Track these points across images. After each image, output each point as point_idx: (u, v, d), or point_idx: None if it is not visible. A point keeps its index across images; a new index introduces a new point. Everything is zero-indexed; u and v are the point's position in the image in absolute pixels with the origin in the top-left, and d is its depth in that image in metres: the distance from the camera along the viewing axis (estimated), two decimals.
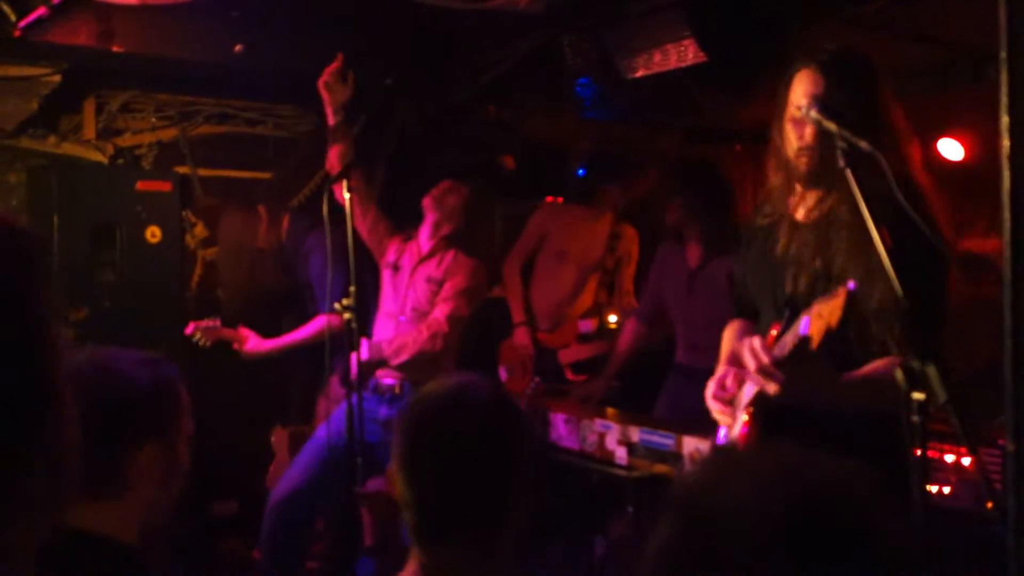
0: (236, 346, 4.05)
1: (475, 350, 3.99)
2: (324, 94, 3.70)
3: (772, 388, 1.78)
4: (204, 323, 4.00)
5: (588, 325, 4.56)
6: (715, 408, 2.02)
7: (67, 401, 0.73)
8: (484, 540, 1.44)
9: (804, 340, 1.77)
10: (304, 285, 4.30)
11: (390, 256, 3.83)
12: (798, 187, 2.03)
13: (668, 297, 3.96)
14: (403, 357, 3.53)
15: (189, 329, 3.97)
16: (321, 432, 3.56)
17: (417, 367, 3.57)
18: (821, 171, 1.91)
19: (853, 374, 1.88)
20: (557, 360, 4.51)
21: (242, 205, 4.36)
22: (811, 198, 2.01)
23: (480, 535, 1.43)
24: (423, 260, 3.74)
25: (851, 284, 1.73)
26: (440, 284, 3.69)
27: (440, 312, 3.59)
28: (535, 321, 4.63)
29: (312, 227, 4.07)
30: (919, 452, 1.47)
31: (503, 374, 4.65)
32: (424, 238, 3.79)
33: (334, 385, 4.34)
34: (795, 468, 0.82)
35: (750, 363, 1.82)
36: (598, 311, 4.62)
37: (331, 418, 3.41)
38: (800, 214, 2.04)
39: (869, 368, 1.88)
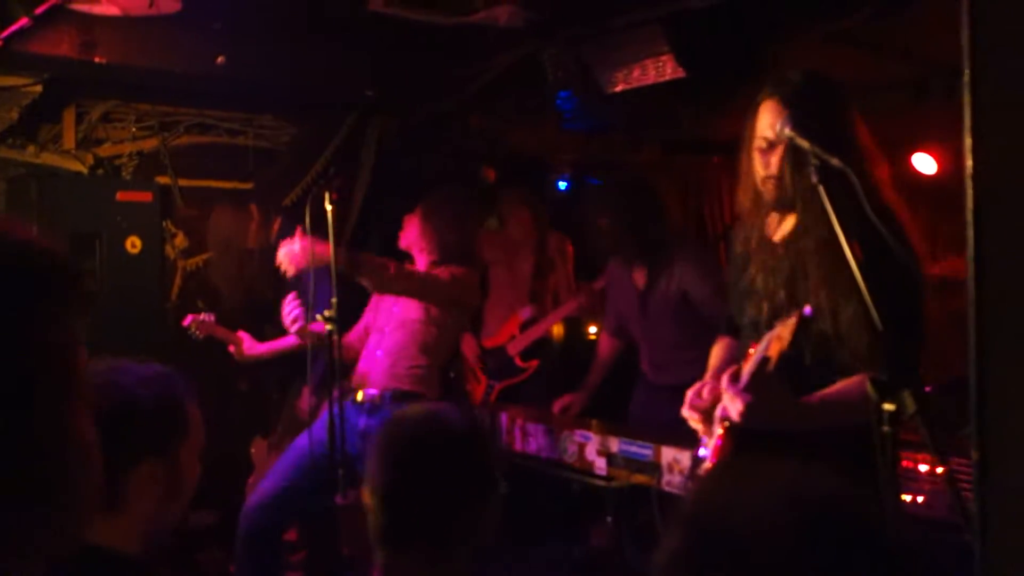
0: (232, 348, 4.03)
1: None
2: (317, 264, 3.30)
3: (735, 414, 1.86)
4: (201, 316, 3.98)
5: (527, 312, 4.68)
6: (690, 417, 2.07)
7: (86, 429, 0.73)
8: (444, 548, 1.53)
9: (763, 361, 1.86)
10: (290, 287, 4.29)
11: None
12: (769, 213, 2.08)
13: (624, 315, 3.95)
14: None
15: (186, 321, 3.94)
16: (302, 440, 3.54)
17: (401, 378, 3.57)
18: (788, 197, 1.97)
19: (814, 396, 1.93)
20: (506, 355, 4.60)
21: (234, 204, 4.35)
22: (779, 222, 2.07)
23: (440, 544, 1.53)
24: None
25: (807, 310, 1.79)
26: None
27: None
28: (482, 329, 4.78)
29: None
30: (891, 462, 1.50)
31: (467, 383, 4.74)
32: (418, 255, 3.75)
33: (305, 395, 4.34)
34: (801, 485, 0.85)
35: (723, 384, 1.89)
36: (536, 300, 4.73)
37: (313, 428, 3.40)
38: (773, 235, 2.09)
39: (833, 388, 1.93)
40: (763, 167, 2.02)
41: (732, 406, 1.87)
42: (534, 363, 4.58)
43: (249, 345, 4.05)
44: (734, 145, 5.75)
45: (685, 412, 2.06)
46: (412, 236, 3.71)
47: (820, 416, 1.92)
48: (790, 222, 2.04)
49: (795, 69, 2.06)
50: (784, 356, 1.81)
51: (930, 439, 1.50)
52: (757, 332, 1.99)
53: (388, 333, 3.65)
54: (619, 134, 5.55)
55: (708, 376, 2.18)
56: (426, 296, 3.52)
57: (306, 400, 4.35)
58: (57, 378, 0.70)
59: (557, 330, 4.84)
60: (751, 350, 1.97)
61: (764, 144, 1.99)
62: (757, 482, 0.86)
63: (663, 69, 3.43)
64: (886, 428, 1.51)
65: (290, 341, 4.09)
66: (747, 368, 1.91)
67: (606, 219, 3.76)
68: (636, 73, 3.52)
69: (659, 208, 3.77)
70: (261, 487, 3.63)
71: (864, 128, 2.02)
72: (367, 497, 1.57)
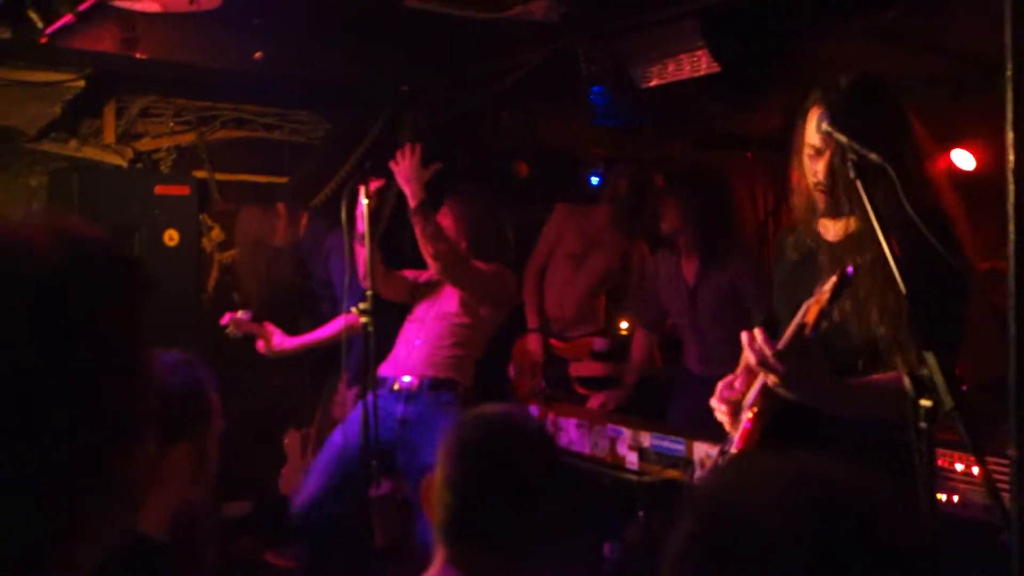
0: (261, 343, 4.08)
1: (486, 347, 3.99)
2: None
3: (771, 379, 1.79)
4: (238, 315, 4.03)
5: (602, 344, 4.55)
6: (718, 408, 2.03)
7: (146, 425, 0.75)
8: (507, 544, 1.60)
9: (800, 327, 1.82)
10: (322, 284, 4.34)
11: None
12: (821, 219, 2.07)
13: (670, 309, 3.94)
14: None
15: (225, 319, 4.00)
16: (337, 435, 3.59)
17: (438, 366, 3.61)
18: (839, 202, 1.95)
19: (857, 380, 1.90)
20: (567, 371, 4.52)
21: (261, 202, 4.40)
22: (835, 226, 2.05)
23: (504, 540, 1.60)
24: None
25: (849, 269, 1.77)
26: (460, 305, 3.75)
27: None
28: (548, 325, 4.65)
29: (332, 227, 4.10)
30: (928, 459, 1.50)
31: (511, 371, 4.67)
32: None
33: (342, 389, 4.38)
34: (815, 473, 0.84)
35: (751, 358, 1.84)
36: (612, 329, 4.63)
37: (347, 420, 3.44)
38: (828, 237, 2.07)
39: (872, 378, 1.90)
40: (812, 174, 2.00)
41: (769, 371, 1.78)
42: (588, 393, 4.35)
43: (279, 340, 4.09)
44: (767, 140, 5.72)
45: (714, 403, 2.03)
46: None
47: (855, 400, 1.87)
48: (844, 225, 2.02)
49: (845, 71, 2.03)
50: (821, 316, 1.78)
51: (967, 437, 1.50)
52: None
53: (427, 323, 3.69)
54: (651, 129, 5.53)
55: (740, 369, 2.14)
56: (464, 280, 3.56)
57: (342, 394, 4.40)
58: (124, 371, 0.72)
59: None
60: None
61: (812, 151, 1.98)
62: (769, 470, 0.85)
63: (698, 64, 3.42)
64: (923, 424, 1.51)
65: (320, 335, 4.14)
66: (785, 337, 1.87)
67: (680, 206, 3.76)
68: (671, 68, 3.51)
69: (730, 201, 3.80)
70: (305, 487, 3.66)
71: (918, 126, 2.00)
72: (436, 490, 1.61)
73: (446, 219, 3.76)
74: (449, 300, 3.70)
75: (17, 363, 0.65)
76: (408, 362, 3.66)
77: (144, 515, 1.40)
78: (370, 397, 2.96)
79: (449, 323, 3.68)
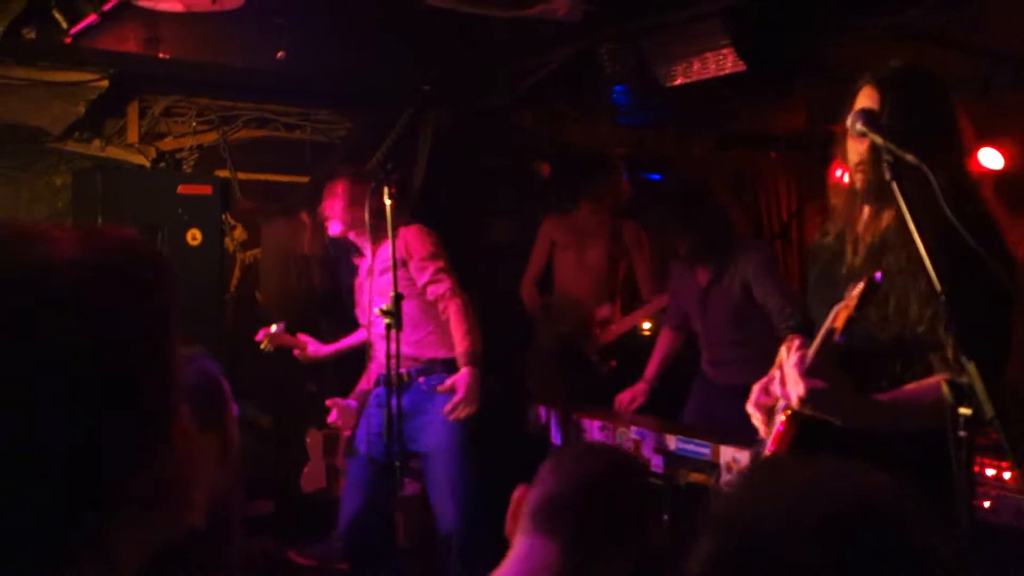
0: (297, 352, 4.09)
1: (497, 359, 3.96)
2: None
3: (794, 399, 1.78)
4: (272, 329, 4.01)
5: (604, 311, 4.59)
6: (754, 414, 2.01)
7: (186, 419, 0.75)
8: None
9: (829, 333, 1.80)
10: (348, 289, 4.34)
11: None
12: (863, 206, 2.02)
13: (686, 313, 3.94)
14: (474, 342, 3.47)
15: (259, 336, 3.99)
16: (362, 446, 3.57)
17: (425, 344, 3.59)
18: (877, 186, 1.89)
19: (884, 395, 1.85)
20: (588, 374, 4.52)
21: (286, 213, 4.41)
22: (874, 217, 2.00)
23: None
24: (372, 271, 3.66)
25: (878, 275, 1.73)
26: (398, 266, 3.52)
27: (438, 289, 3.52)
28: (559, 320, 4.66)
29: None
30: (966, 467, 1.46)
31: (529, 382, 4.67)
32: (365, 249, 3.72)
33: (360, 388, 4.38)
34: (838, 481, 0.83)
35: (786, 365, 1.83)
36: (612, 296, 4.65)
37: (369, 423, 3.43)
38: (864, 229, 2.02)
39: (906, 389, 1.85)
40: (855, 154, 1.95)
41: (793, 389, 1.79)
42: (612, 364, 4.46)
43: (314, 348, 4.11)
44: (791, 139, 5.69)
45: (750, 408, 2.00)
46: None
47: (887, 415, 1.84)
48: (883, 218, 1.97)
49: (897, 59, 1.97)
50: (850, 325, 1.76)
51: (1008, 444, 1.46)
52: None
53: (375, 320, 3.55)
54: (674, 128, 5.50)
55: (775, 370, 2.11)
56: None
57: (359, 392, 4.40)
58: (162, 374, 0.72)
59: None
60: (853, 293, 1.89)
61: (855, 132, 1.93)
62: (794, 486, 0.84)
63: (724, 62, 3.39)
64: (962, 433, 1.48)
65: (352, 340, 4.14)
66: (813, 347, 1.85)
67: (665, 221, 3.81)
68: (696, 67, 3.48)
69: (718, 208, 3.77)
70: (345, 504, 3.65)
71: (967, 125, 1.95)
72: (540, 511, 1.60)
73: (337, 201, 3.64)
74: (383, 289, 3.52)
75: (64, 359, 0.65)
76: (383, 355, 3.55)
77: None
78: (394, 400, 2.95)
79: (405, 307, 3.52)
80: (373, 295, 3.55)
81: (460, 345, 3.43)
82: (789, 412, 1.87)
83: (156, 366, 0.72)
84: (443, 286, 3.50)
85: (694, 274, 3.79)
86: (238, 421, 1.65)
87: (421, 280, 3.53)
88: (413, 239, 3.56)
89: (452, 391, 3.35)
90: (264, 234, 4.52)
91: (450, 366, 3.49)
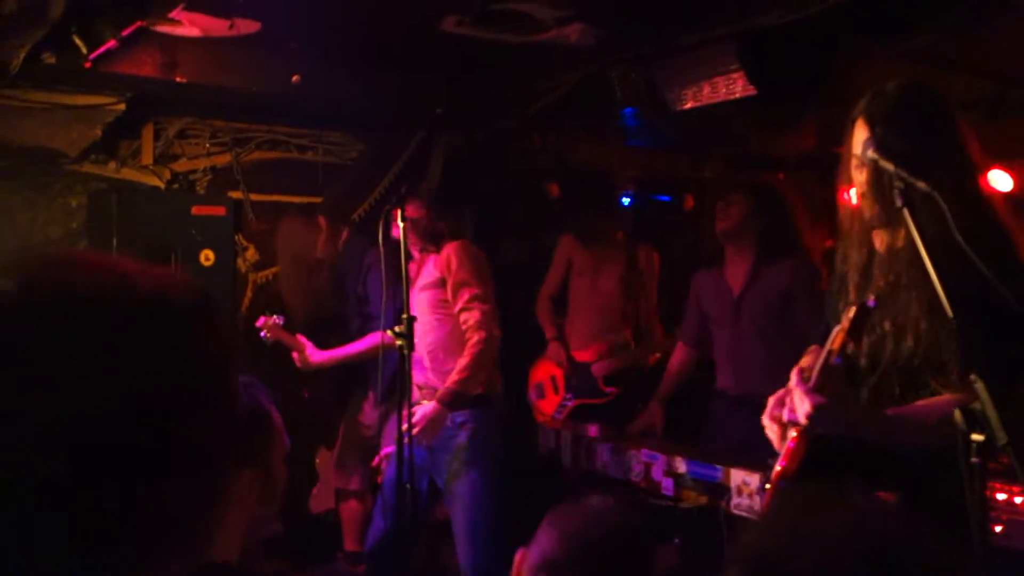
0: (296, 355, 4.10)
1: (508, 380, 3.96)
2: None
3: (801, 416, 1.78)
4: (273, 319, 4.05)
5: (618, 337, 4.58)
6: (769, 427, 1.98)
7: (226, 453, 0.75)
8: None
9: (828, 352, 1.80)
10: (356, 300, 4.36)
11: None
12: (871, 230, 2.02)
13: (713, 323, 3.92)
14: (463, 383, 3.38)
15: (259, 322, 4.02)
16: (390, 469, 3.51)
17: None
18: (884, 214, 1.90)
19: (891, 410, 1.85)
20: (590, 374, 4.53)
21: (302, 216, 4.45)
22: (885, 237, 2.00)
23: None
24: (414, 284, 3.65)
25: (871, 301, 1.73)
26: (436, 286, 3.56)
27: (468, 319, 3.46)
28: (570, 342, 4.66)
29: (371, 244, 4.13)
30: (980, 494, 1.47)
31: (532, 396, 4.66)
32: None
33: (367, 407, 4.38)
34: (871, 523, 0.82)
35: (791, 383, 1.83)
36: (626, 323, 4.65)
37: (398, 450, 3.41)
38: (879, 247, 2.03)
39: (914, 406, 1.85)
40: (859, 185, 1.96)
41: (800, 407, 1.78)
42: (615, 390, 4.44)
43: (312, 352, 4.11)
44: (800, 161, 5.68)
45: (765, 420, 1.99)
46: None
47: (895, 429, 1.83)
48: (894, 237, 1.97)
49: (893, 81, 1.96)
50: (844, 348, 1.76)
51: (1021, 470, 1.47)
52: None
53: (418, 333, 3.54)
54: (683, 150, 5.53)
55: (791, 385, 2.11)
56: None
57: (368, 413, 4.41)
58: (217, 404, 0.73)
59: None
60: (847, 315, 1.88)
61: (857, 162, 1.94)
62: (820, 519, 0.83)
63: (734, 87, 3.41)
64: (975, 459, 1.48)
65: (353, 350, 4.15)
66: (816, 366, 1.85)
67: (742, 207, 3.79)
68: (706, 91, 3.51)
69: (790, 214, 3.81)
70: (373, 524, 3.64)
71: (973, 142, 1.94)
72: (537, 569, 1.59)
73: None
74: (424, 308, 3.53)
75: (122, 393, 0.66)
76: (419, 379, 3.55)
77: (220, 540, 1.40)
78: (404, 425, 2.96)
79: (438, 336, 3.54)
80: (413, 310, 3.55)
81: (451, 377, 3.36)
82: (799, 429, 1.87)
83: (217, 401, 0.73)
84: (473, 316, 3.42)
85: (725, 280, 3.79)
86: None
87: (456, 306, 3.47)
88: (454, 258, 3.50)
89: (476, 430, 3.33)
90: (279, 234, 4.55)
91: (478, 403, 3.44)
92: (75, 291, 0.69)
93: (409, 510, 3.09)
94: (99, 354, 0.66)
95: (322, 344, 4.26)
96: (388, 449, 3.46)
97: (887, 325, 1.91)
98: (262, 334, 4.05)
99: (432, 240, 3.59)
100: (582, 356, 4.58)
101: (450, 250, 3.51)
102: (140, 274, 0.72)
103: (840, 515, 0.84)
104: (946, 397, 1.78)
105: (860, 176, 1.94)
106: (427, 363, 3.57)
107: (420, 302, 3.55)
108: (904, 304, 1.87)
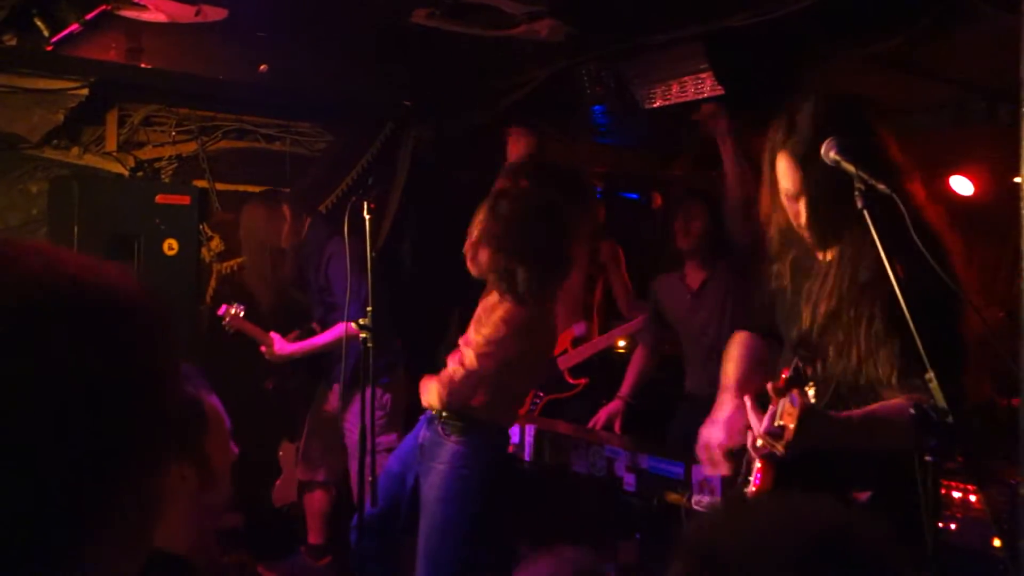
0: (264, 348, 4.08)
1: None
2: None
3: (778, 451, 1.77)
4: (234, 308, 4.03)
5: (580, 328, 4.61)
6: (715, 456, 2.01)
7: (158, 446, 0.74)
8: None
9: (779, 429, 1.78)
10: (317, 290, 4.34)
11: None
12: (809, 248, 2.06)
13: (674, 321, 3.99)
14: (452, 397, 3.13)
15: (221, 311, 4.01)
16: (393, 463, 3.39)
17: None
18: (828, 237, 1.97)
19: (855, 412, 1.86)
20: (556, 368, 4.55)
21: (266, 204, 4.42)
22: (823, 249, 2.05)
23: None
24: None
25: (795, 398, 1.72)
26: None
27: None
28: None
29: (333, 234, 4.13)
30: (933, 492, 1.49)
31: None
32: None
33: (332, 398, 4.37)
34: (806, 513, 0.84)
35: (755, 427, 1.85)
36: (588, 315, 4.68)
37: (402, 447, 3.36)
38: (817, 256, 2.07)
39: (873, 407, 1.86)
40: (794, 216, 2.01)
41: (777, 442, 1.76)
42: (583, 381, 4.47)
43: (280, 345, 4.08)
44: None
45: (714, 450, 2.02)
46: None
47: (863, 433, 1.83)
48: (833, 251, 2.02)
49: (811, 97, 2.00)
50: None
51: (974, 470, 1.49)
52: (806, 348, 1.96)
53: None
54: (652, 148, 5.56)
55: (727, 391, 2.13)
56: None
57: (331, 403, 4.39)
58: (148, 412, 0.72)
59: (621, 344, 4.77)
60: (783, 375, 1.90)
61: (787, 196, 1.99)
62: (765, 511, 0.86)
63: (702, 86, 3.44)
64: (928, 458, 1.51)
65: (319, 341, 4.13)
66: (773, 409, 1.83)
67: (702, 221, 3.90)
68: (675, 89, 3.53)
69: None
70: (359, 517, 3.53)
71: (895, 145, 1.98)
72: None
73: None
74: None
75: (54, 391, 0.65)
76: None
77: (161, 534, 1.37)
78: (368, 418, 2.94)
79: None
80: None
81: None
82: (764, 459, 1.87)
83: (154, 396, 0.71)
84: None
85: (684, 279, 3.88)
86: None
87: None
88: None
89: (462, 446, 3.08)
90: (242, 218, 4.51)
91: (470, 418, 3.14)
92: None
93: (400, 503, 3.06)
94: (20, 344, 0.65)
95: (286, 333, 4.24)
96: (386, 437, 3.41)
97: (831, 351, 1.94)
98: (224, 323, 4.02)
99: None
100: None
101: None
102: (69, 263, 0.70)
103: (779, 508, 0.86)
104: (903, 399, 1.80)
105: (797, 207, 1.97)
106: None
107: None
108: (845, 324, 1.90)
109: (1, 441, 0.63)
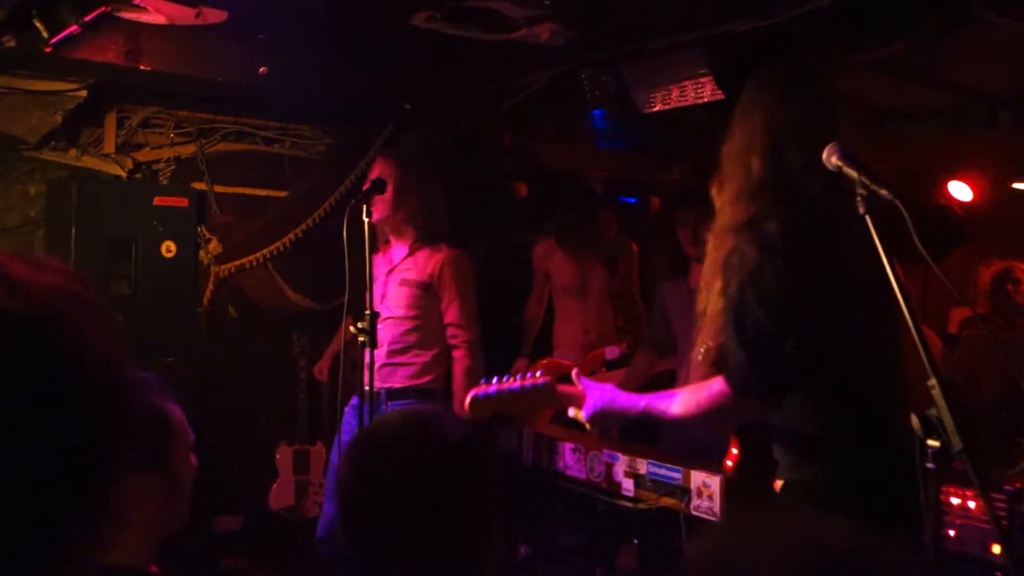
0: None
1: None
2: None
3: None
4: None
5: (614, 352, 4.57)
6: None
7: (125, 460, 0.73)
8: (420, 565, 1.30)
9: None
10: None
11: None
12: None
13: (675, 324, 3.98)
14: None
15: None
16: (334, 455, 3.58)
17: (421, 370, 3.61)
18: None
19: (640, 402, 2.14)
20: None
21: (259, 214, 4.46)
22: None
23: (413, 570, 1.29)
24: (394, 272, 3.64)
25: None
26: (420, 287, 3.58)
27: (455, 339, 3.60)
28: (556, 353, 4.68)
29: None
30: (935, 499, 1.49)
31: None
32: (393, 243, 3.69)
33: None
34: (814, 535, 0.83)
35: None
36: (620, 336, 4.67)
37: (337, 438, 3.41)
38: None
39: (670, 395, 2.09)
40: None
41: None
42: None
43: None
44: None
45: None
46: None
47: (648, 420, 2.08)
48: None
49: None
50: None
51: (976, 476, 1.49)
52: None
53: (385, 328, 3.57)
54: (651, 152, 5.55)
55: None
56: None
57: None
58: (105, 414, 0.70)
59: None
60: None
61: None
62: (769, 532, 0.83)
63: (702, 91, 3.44)
64: (930, 465, 1.50)
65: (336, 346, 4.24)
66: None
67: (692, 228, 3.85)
68: (675, 94, 3.53)
69: None
70: (324, 509, 3.65)
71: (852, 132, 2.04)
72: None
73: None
74: (398, 297, 3.56)
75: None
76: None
77: (121, 546, 1.34)
78: (367, 418, 2.94)
79: (401, 328, 3.56)
80: (387, 300, 3.56)
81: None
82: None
83: (110, 404, 0.70)
84: (459, 339, 3.59)
85: (691, 290, 3.86)
86: (194, 448, 1.53)
87: (447, 318, 3.59)
88: (447, 271, 3.58)
89: None
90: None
91: (420, 393, 3.51)
92: None
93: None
94: None
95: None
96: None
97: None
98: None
99: (431, 235, 3.61)
100: (578, 366, 4.58)
101: (445, 259, 3.58)
102: (19, 273, 0.69)
103: (786, 528, 0.84)
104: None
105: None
106: (384, 352, 3.57)
107: (398, 295, 3.59)
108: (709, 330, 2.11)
109: None
